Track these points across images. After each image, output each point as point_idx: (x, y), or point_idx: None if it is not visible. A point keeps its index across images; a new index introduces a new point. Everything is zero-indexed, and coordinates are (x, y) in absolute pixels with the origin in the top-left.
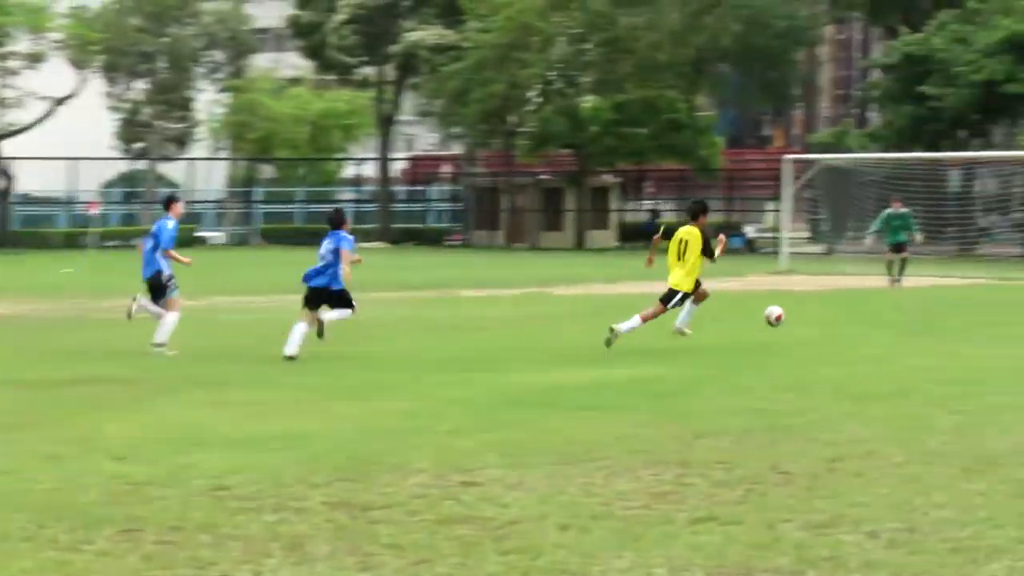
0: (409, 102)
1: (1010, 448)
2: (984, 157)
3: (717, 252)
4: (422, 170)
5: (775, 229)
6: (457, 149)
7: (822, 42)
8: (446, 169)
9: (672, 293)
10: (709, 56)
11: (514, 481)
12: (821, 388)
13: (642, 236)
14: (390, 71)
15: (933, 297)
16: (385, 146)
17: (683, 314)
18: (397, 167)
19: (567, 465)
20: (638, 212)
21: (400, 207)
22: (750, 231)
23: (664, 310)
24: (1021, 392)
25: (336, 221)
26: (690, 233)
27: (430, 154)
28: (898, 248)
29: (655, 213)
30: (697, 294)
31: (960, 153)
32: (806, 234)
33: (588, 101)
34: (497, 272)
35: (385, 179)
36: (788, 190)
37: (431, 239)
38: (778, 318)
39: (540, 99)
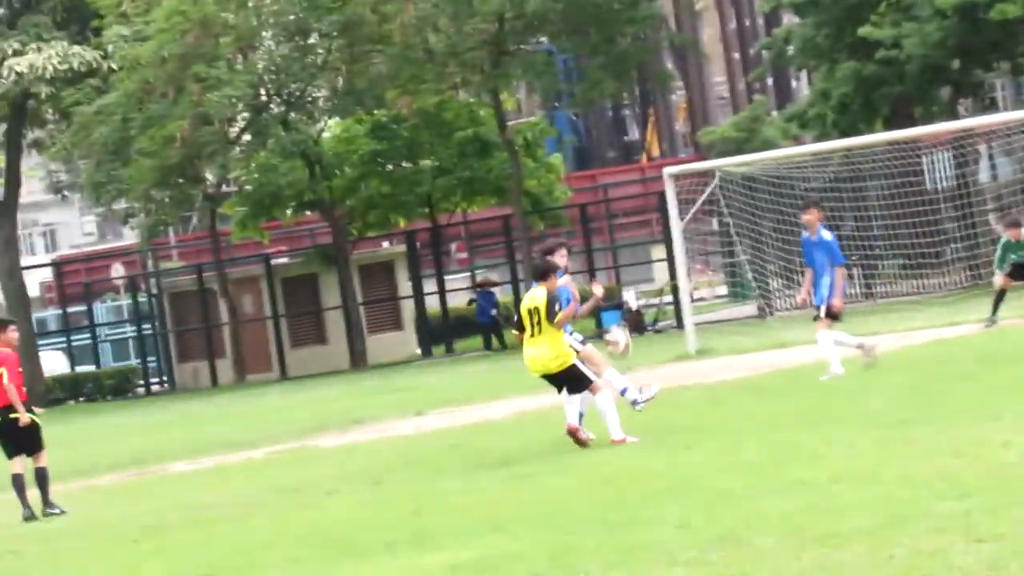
0: (37, 171)
1: None
2: (986, 124)
3: (560, 315)
4: (78, 280)
5: (668, 291)
6: (132, 238)
7: None
8: (119, 272)
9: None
10: (515, 27)
11: None
12: (771, 526)
13: (466, 330)
14: None
15: (934, 357)
16: (8, 248)
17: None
18: (36, 280)
19: None
20: (454, 292)
21: (50, 343)
22: (630, 298)
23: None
24: None
25: None
26: (535, 298)
27: (88, 252)
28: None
29: (483, 286)
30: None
31: (948, 124)
32: (722, 290)
33: (329, 128)
34: (221, 426)
35: (19, 299)
36: (677, 226)
37: (113, 388)
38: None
39: (251, 135)
